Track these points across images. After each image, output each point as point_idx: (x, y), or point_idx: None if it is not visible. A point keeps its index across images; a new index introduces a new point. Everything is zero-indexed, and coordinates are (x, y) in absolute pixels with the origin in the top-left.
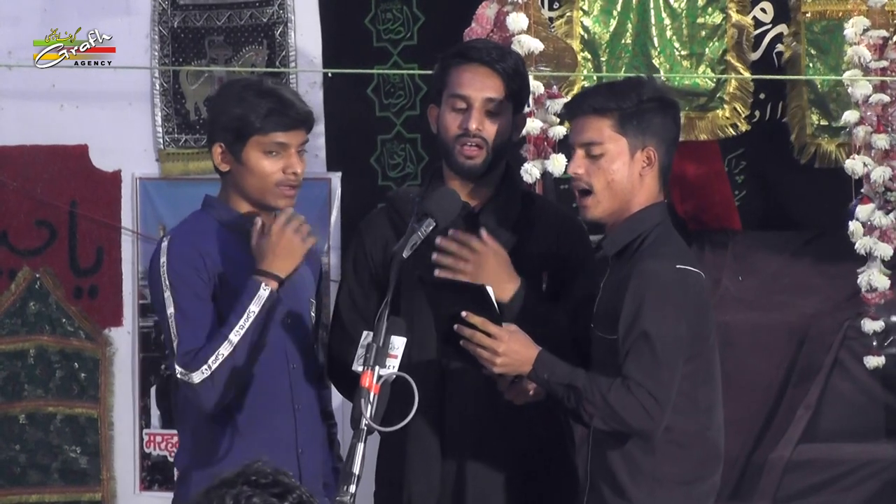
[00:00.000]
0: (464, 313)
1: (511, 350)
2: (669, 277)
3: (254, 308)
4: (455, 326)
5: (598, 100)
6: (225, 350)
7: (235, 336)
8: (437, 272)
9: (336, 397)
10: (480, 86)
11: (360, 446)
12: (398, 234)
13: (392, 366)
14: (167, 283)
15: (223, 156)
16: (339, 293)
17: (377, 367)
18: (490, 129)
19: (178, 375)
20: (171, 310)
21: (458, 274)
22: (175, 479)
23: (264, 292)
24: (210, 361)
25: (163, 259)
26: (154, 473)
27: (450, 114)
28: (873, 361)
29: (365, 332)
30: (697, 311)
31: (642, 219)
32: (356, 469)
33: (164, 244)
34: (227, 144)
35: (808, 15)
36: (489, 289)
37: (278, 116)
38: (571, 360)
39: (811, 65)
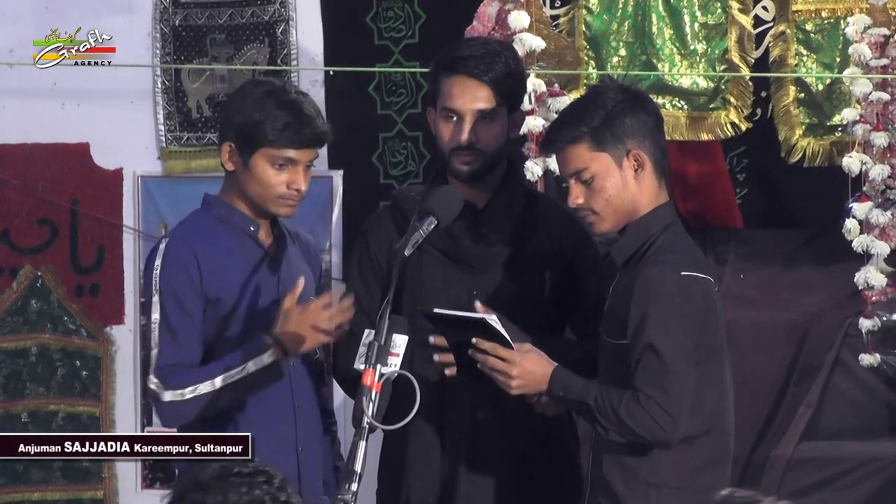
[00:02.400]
0: (474, 340)
1: (525, 371)
2: (673, 285)
3: (252, 367)
4: (469, 352)
5: (567, 130)
6: (205, 389)
7: (221, 382)
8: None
9: (337, 396)
10: (471, 98)
11: (362, 444)
12: (402, 233)
13: (394, 364)
14: (157, 287)
15: (231, 155)
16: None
17: (379, 366)
18: (484, 138)
19: (151, 386)
20: (156, 315)
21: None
22: (175, 477)
23: (268, 359)
24: (187, 390)
25: (157, 261)
26: (156, 472)
27: (443, 124)
28: (868, 359)
29: (367, 331)
30: (703, 318)
31: (649, 223)
32: (358, 467)
33: (162, 246)
34: (237, 146)
35: (801, 13)
36: (490, 320)
37: (293, 133)
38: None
39: (800, 63)
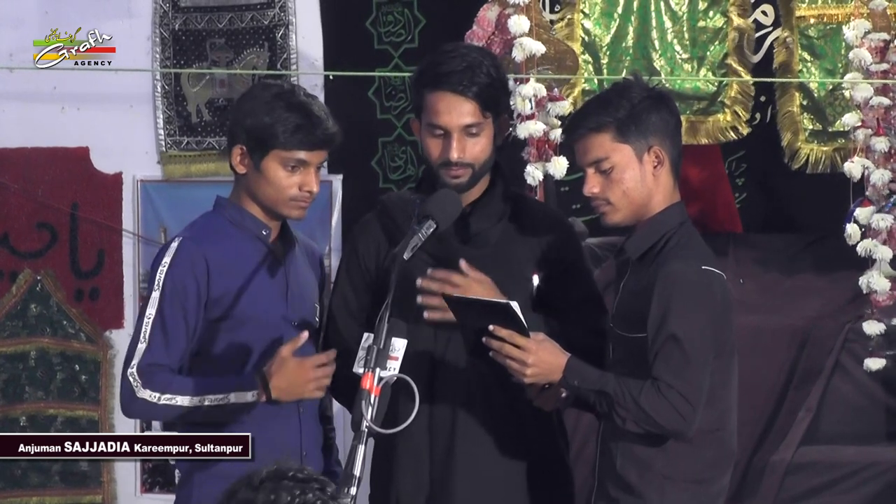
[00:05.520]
0: (491, 326)
1: (540, 360)
2: (695, 279)
3: (233, 399)
4: (483, 339)
5: (592, 117)
6: (182, 402)
7: (199, 402)
8: (426, 314)
9: (336, 401)
10: (457, 115)
11: (361, 448)
12: (389, 238)
13: (393, 368)
14: (159, 284)
15: (242, 158)
16: (333, 297)
17: (378, 369)
18: (472, 151)
19: (129, 377)
20: (151, 311)
21: (447, 313)
22: (176, 481)
23: (252, 398)
24: (164, 396)
25: (166, 259)
26: (155, 476)
27: (430, 139)
28: (873, 364)
29: (366, 334)
30: (721, 313)
31: (664, 220)
32: (357, 471)
33: (174, 245)
34: (248, 149)
35: (804, 19)
36: (514, 304)
37: (304, 134)
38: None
39: (804, 69)
